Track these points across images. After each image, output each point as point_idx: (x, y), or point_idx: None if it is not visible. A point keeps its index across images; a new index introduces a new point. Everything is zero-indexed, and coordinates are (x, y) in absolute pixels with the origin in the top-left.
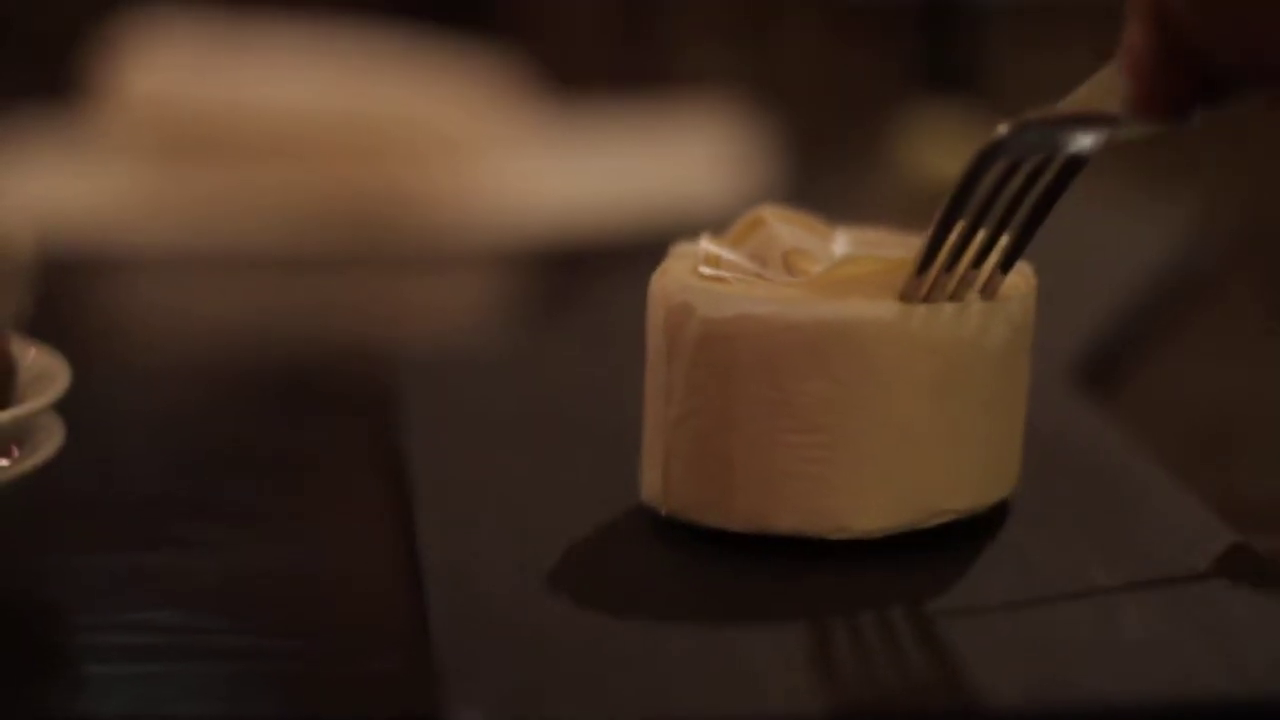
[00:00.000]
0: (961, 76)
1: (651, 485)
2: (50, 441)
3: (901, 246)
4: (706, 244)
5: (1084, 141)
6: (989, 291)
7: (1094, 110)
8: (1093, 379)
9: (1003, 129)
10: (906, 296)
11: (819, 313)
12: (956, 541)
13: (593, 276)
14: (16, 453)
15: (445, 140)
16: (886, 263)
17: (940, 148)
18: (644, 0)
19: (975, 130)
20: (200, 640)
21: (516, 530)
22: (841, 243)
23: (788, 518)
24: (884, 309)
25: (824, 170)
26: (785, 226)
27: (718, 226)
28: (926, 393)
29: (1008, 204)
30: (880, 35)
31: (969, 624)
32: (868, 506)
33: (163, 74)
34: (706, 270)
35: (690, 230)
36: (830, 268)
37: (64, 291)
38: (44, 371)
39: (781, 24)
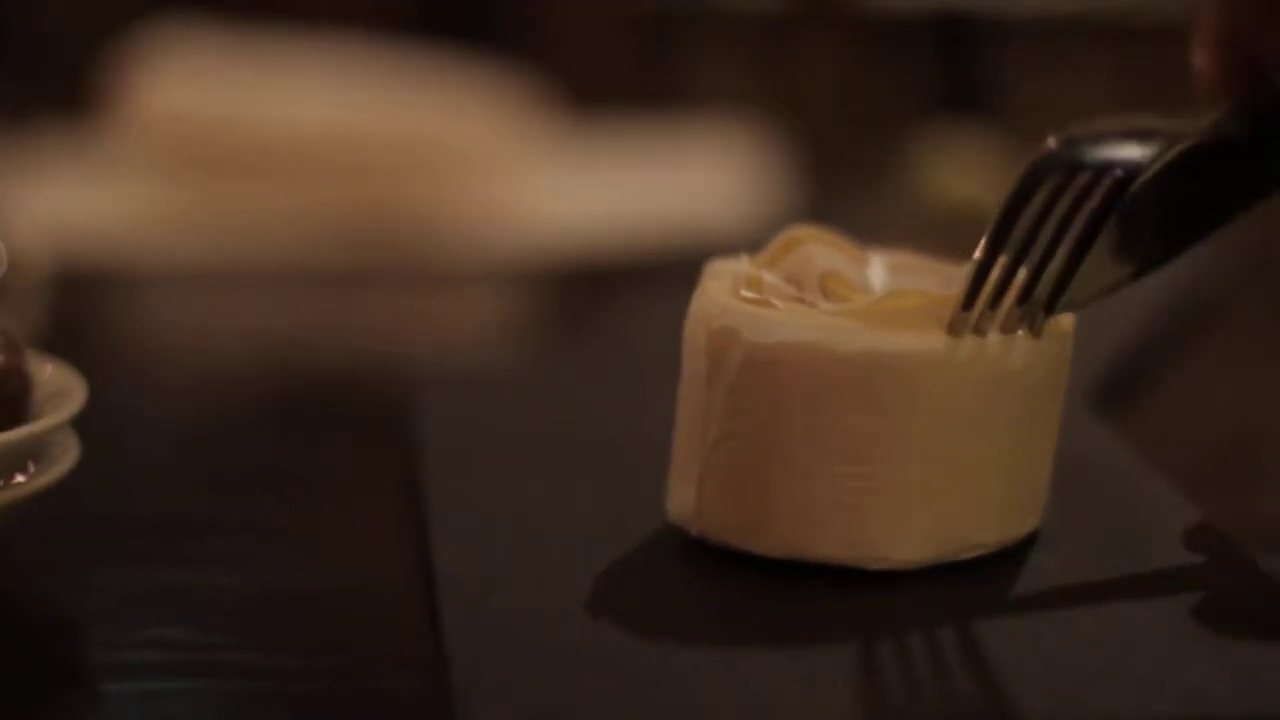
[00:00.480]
0: (977, 97)
1: (682, 505)
2: (66, 458)
3: (935, 273)
4: (746, 265)
5: (1132, 155)
6: (1036, 328)
7: (1141, 123)
8: (1107, 402)
9: (1052, 142)
10: (953, 329)
11: (867, 344)
12: (976, 565)
13: (610, 294)
14: (32, 469)
15: (463, 158)
16: (932, 297)
17: (957, 168)
18: (662, 19)
19: (992, 152)
20: (215, 657)
21: (533, 548)
22: (876, 266)
23: (826, 546)
24: (931, 342)
25: (840, 190)
26: (820, 248)
27: (738, 246)
28: (969, 426)
29: (1054, 231)
30: (898, 56)
31: (988, 648)
32: (907, 538)
33: (181, 90)
34: (748, 293)
35: (706, 249)
36: (876, 300)
37: (80, 307)
38: (60, 388)
39: (799, 44)
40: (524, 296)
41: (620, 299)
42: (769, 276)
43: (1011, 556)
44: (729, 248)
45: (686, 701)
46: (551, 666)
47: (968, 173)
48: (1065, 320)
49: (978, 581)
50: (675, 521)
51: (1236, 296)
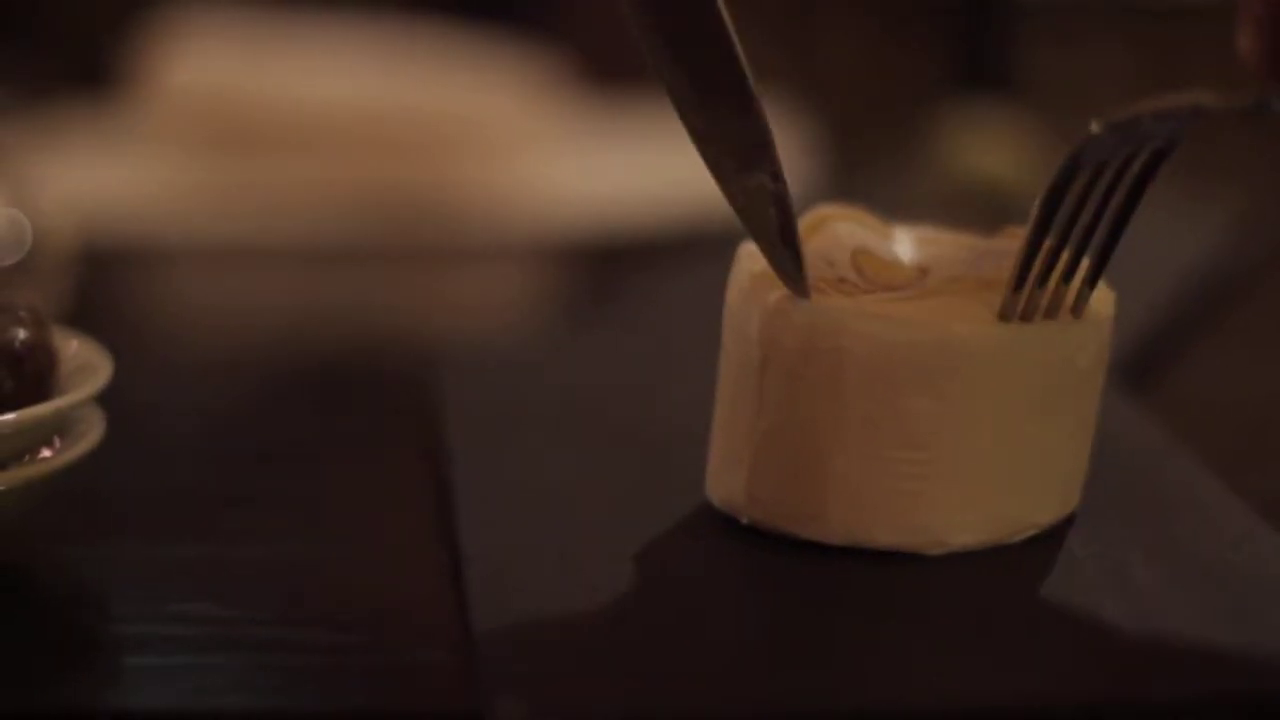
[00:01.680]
0: (1000, 73)
1: (729, 493)
2: (92, 433)
3: (961, 246)
4: None
5: (1169, 133)
6: (1079, 308)
7: (1179, 102)
8: (1135, 380)
9: (1095, 128)
10: (1005, 314)
11: (927, 330)
12: (1005, 546)
13: (632, 271)
14: (59, 444)
15: (485, 135)
16: (979, 280)
17: (979, 144)
18: None
19: (1014, 127)
20: (240, 632)
21: (558, 524)
22: (903, 241)
23: (885, 533)
24: (988, 326)
25: (863, 167)
26: (848, 225)
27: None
28: (1024, 410)
29: (1094, 213)
30: (920, 32)
31: (1018, 631)
32: (965, 522)
33: (204, 66)
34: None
35: (729, 226)
36: (928, 287)
37: (104, 283)
38: (86, 363)
39: (822, 21)
40: (547, 273)
41: (643, 275)
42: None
43: (1040, 537)
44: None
45: (708, 674)
46: (576, 643)
47: (990, 148)
48: (1106, 305)
49: (1004, 561)
50: (721, 508)
51: (1264, 273)
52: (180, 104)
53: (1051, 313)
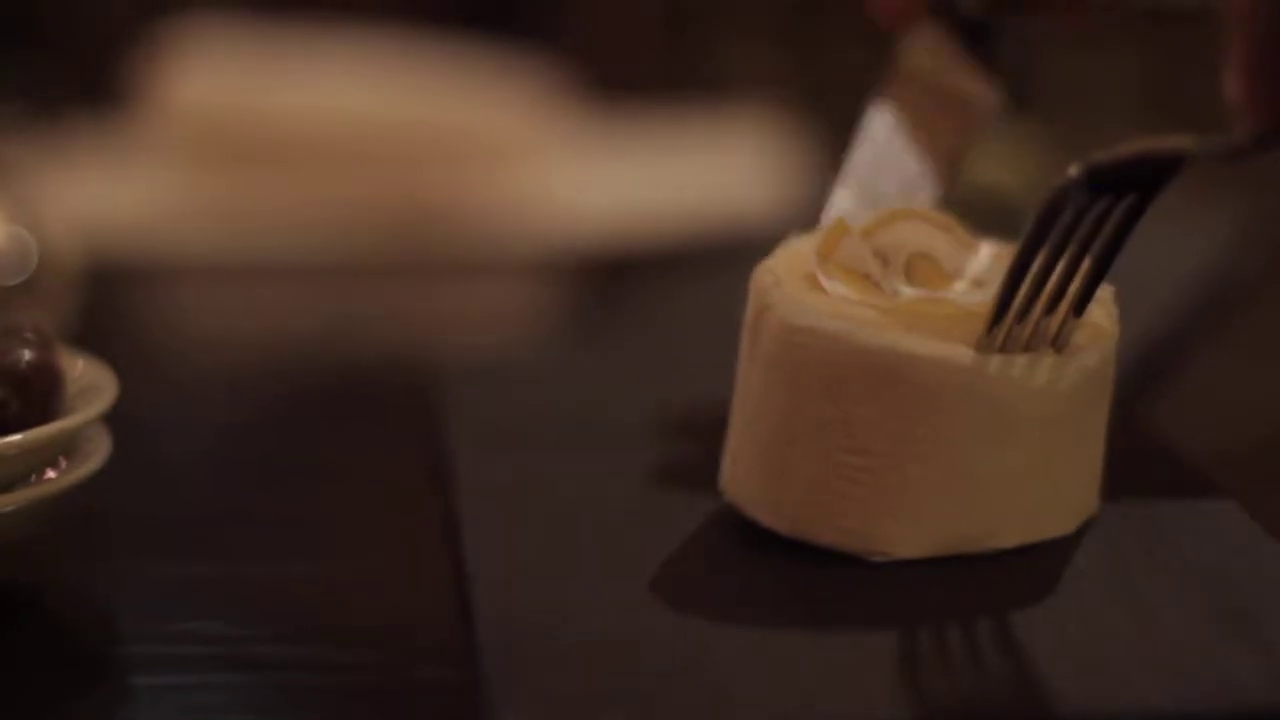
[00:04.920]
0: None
1: (725, 470)
2: (98, 453)
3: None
4: (844, 223)
5: (1151, 179)
6: (1061, 343)
7: (1162, 146)
8: (1138, 385)
9: (1073, 172)
10: (981, 347)
11: (889, 342)
12: (1007, 553)
13: (638, 284)
14: (64, 464)
15: (490, 147)
16: (971, 308)
17: (983, 152)
18: (688, 6)
19: (1019, 136)
20: (246, 650)
21: (563, 539)
22: (982, 254)
23: (830, 532)
24: (955, 352)
25: None
26: (922, 227)
27: (766, 233)
28: (986, 439)
29: (1078, 248)
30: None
31: (1019, 637)
32: (908, 536)
33: (209, 82)
34: (813, 262)
35: (734, 236)
36: (914, 301)
37: (111, 301)
38: (91, 383)
39: (826, 28)
40: (552, 286)
41: (649, 288)
42: (851, 246)
43: (1041, 544)
44: (757, 234)
45: (714, 686)
46: (581, 659)
47: (994, 157)
48: (1107, 326)
49: (1008, 570)
50: (721, 486)
51: (1269, 278)
52: (187, 120)
53: (1033, 346)
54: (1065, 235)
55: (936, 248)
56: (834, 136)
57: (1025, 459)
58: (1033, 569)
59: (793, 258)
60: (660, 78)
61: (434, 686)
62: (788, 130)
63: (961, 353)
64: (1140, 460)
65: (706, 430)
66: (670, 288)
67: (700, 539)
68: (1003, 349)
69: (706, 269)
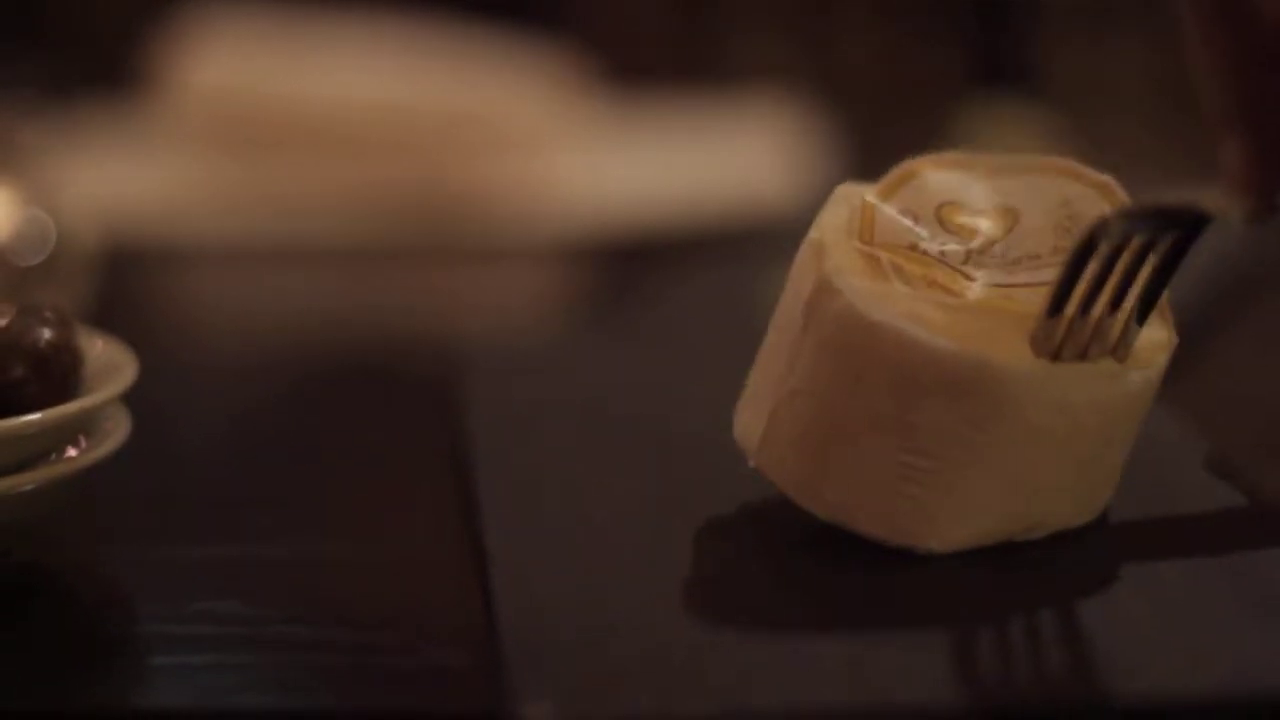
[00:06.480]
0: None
1: (748, 433)
2: (117, 433)
3: (1054, 189)
4: (866, 198)
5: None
6: (1122, 352)
7: (1193, 203)
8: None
9: (1106, 217)
10: (1035, 344)
11: (963, 349)
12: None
13: (654, 269)
14: (84, 443)
15: (506, 134)
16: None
17: (999, 142)
18: None
19: (1032, 125)
20: (264, 632)
21: (581, 524)
22: (1000, 178)
23: (872, 524)
24: (1028, 363)
25: (882, 165)
26: (937, 174)
27: (780, 219)
28: (1045, 445)
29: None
30: (939, 28)
31: (1041, 627)
32: (953, 532)
33: (226, 67)
34: (860, 245)
35: (749, 223)
36: (985, 298)
37: (128, 283)
38: (111, 363)
39: (840, 17)
40: (569, 272)
41: (664, 273)
42: (886, 211)
43: (1065, 535)
44: (772, 221)
45: (733, 672)
46: (600, 643)
47: (1010, 146)
48: (1165, 341)
49: (1027, 560)
50: (738, 442)
51: None
52: (202, 104)
53: (1093, 353)
54: (1124, 240)
55: (958, 190)
56: (845, 127)
57: (1077, 463)
58: (1052, 557)
59: (839, 216)
60: (674, 65)
61: (452, 670)
62: (801, 117)
63: (1033, 362)
64: (1160, 447)
65: (725, 415)
66: (685, 273)
67: (722, 522)
68: (1060, 354)
69: (721, 254)
